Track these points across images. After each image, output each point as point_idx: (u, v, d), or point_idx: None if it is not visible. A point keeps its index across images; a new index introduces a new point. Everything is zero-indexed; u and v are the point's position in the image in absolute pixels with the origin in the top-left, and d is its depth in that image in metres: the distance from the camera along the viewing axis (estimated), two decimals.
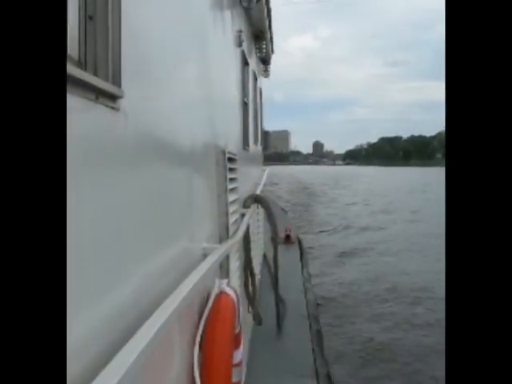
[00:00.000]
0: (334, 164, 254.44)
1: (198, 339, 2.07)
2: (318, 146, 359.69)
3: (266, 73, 10.00)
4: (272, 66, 9.97)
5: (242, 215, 3.97)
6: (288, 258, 8.83)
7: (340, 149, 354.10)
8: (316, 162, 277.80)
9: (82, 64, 1.20)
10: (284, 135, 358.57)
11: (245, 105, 5.49)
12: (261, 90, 9.34)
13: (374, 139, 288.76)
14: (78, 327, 1.00)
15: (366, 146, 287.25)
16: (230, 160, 3.34)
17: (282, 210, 16.85)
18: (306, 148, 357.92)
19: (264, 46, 7.97)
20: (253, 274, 4.27)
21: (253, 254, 4.56)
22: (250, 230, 4.46)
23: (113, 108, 1.24)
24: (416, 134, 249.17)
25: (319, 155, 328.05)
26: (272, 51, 9.21)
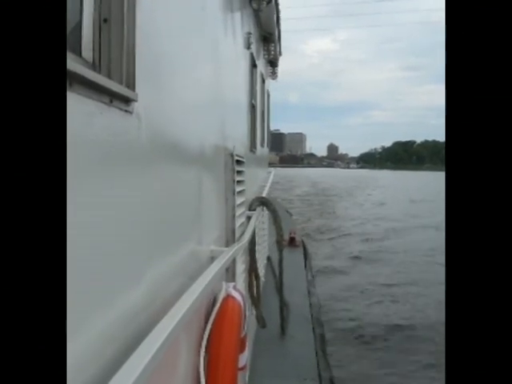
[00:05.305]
0: (349, 167, 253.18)
1: (204, 342, 2.07)
2: (332, 148, 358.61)
3: (273, 75, 9.99)
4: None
5: (248, 218, 3.97)
6: (292, 261, 8.81)
7: (354, 151, 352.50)
8: (330, 165, 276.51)
9: (96, 67, 1.20)
10: (299, 138, 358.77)
11: (252, 107, 5.49)
12: (268, 92, 9.34)
13: (388, 143, 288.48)
14: (88, 331, 0.99)
15: (380, 150, 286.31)
16: (238, 162, 3.34)
17: (287, 212, 16.82)
18: (321, 150, 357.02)
19: (272, 48, 7.97)
20: (257, 277, 4.26)
21: (257, 256, 4.55)
22: (256, 233, 4.45)
23: (126, 111, 1.23)
24: (432, 138, 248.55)
25: (334, 158, 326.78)
26: (280, 53, 9.21)
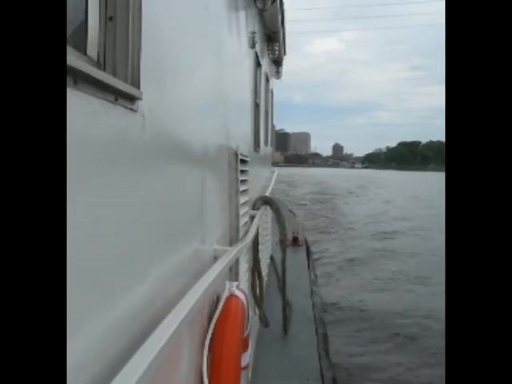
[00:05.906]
0: (353, 167, 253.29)
1: (207, 342, 2.07)
2: (337, 148, 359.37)
3: (277, 74, 9.98)
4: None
5: (252, 217, 3.96)
6: (295, 260, 8.81)
7: (359, 151, 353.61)
8: (335, 165, 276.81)
9: (101, 65, 1.20)
10: (304, 137, 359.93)
11: (256, 106, 5.48)
12: (272, 91, 9.33)
13: (393, 143, 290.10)
14: (90, 331, 0.99)
15: (384, 150, 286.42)
16: (242, 162, 3.33)
17: (291, 211, 16.81)
18: (326, 150, 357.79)
19: (276, 48, 7.95)
20: (260, 277, 4.26)
21: (260, 256, 4.55)
22: (259, 232, 4.45)
23: (131, 109, 1.23)
24: (437, 139, 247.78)
25: (338, 158, 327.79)
26: (284, 53, 9.20)
